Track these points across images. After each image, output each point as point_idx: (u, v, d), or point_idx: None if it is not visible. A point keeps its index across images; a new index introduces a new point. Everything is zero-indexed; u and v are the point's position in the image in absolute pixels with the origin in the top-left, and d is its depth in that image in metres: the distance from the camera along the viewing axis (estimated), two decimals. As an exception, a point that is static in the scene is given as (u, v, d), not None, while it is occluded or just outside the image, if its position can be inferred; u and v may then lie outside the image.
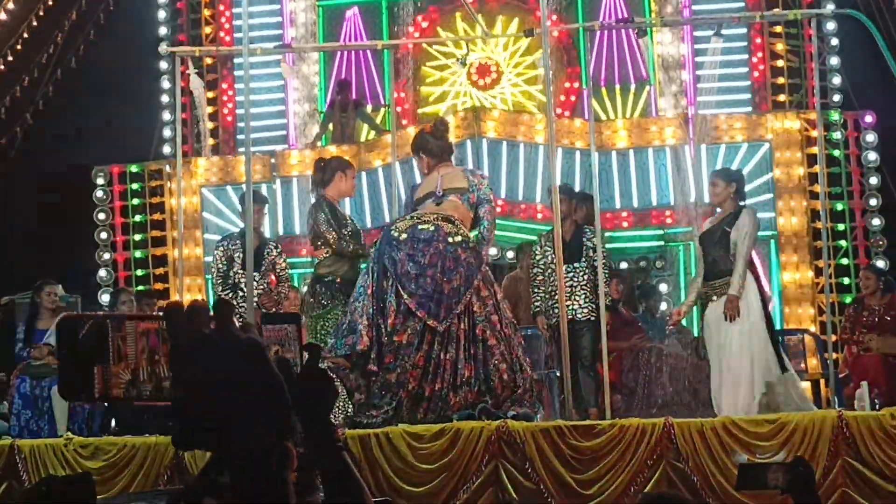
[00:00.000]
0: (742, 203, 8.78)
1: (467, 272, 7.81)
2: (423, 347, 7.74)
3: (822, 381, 10.94)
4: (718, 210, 8.90)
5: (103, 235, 13.80)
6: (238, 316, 9.14)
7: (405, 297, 7.76)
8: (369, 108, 14.23)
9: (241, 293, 9.39)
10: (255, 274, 9.50)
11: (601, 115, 13.70)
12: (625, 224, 12.85)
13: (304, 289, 12.53)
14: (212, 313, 2.75)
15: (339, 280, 8.77)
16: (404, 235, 7.86)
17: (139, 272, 13.84)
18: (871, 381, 9.52)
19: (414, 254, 7.79)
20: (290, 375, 2.45)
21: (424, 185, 8.21)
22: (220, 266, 9.61)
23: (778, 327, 12.48)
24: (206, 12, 14.68)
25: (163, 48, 11.19)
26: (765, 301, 8.55)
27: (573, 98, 14.09)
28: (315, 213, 9.01)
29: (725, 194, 8.75)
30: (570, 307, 9.58)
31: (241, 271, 9.38)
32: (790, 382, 8.42)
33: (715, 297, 8.54)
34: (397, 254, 7.82)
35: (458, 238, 7.85)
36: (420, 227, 7.87)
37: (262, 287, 9.67)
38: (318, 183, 9.20)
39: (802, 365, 11.38)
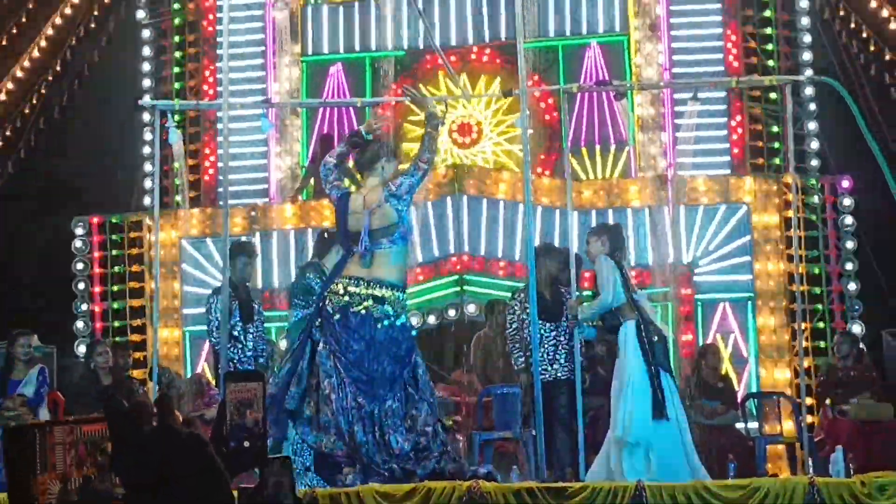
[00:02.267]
0: (613, 253, 8.90)
1: (398, 353, 7.90)
2: (360, 424, 7.82)
3: (798, 445, 10.94)
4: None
5: (81, 286, 13.76)
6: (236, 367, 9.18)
7: (344, 375, 7.82)
8: (350, 163, 14.25)
9: (239, 345, 9.41)
10: (249, 325, 9.53)
11: (580, 175, 13.79)
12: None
13: (283, 342, 12.54)
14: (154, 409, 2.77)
15: None
16: (338, 315, 7.90)
17: (116, 323, 13.79)
18: (846, 446, 9.55)
19: (348, 338, 7.85)
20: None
21: (352, 208, 8.07)
22: (215, 319, 9.56)
23: (753, 390, 12.55)
24: (190, 66, 14.74)
25: (144, 100, 11.22)
26: (650, 349, 8.53)
27: (553, 157, 14.17)
28: (305, 272, 9.10)
29: (597, 250, 8.90)
30: (552, 367, 9.61)
31: (239, 323, 9.40)
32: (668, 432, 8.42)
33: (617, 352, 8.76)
34: (332, 331, 7.88)
35: (386, 323, 7.90)
36: (352, 309, 7.89)
37: (256, 341, 9.66)
38: (317, 254, 9.31)
39: (778, 428, 11.40)
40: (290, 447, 8.55)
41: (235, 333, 9.45)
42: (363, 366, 7.80)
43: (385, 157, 8.18)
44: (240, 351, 9.45)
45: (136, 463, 1.78)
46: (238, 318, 9.45)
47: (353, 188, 13.71)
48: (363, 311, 7.85)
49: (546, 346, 9.70)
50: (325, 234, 9.49)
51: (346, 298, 7.86)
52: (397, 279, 7.97)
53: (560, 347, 9.74)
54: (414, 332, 8.42)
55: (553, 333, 9.70)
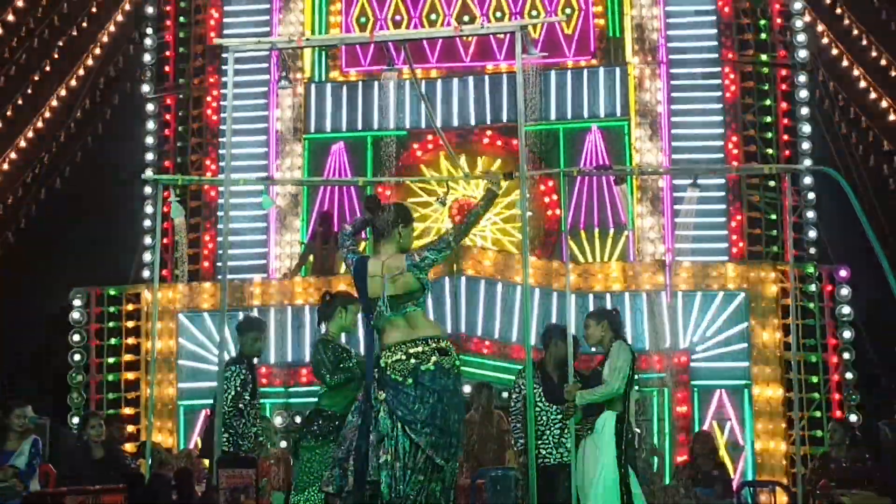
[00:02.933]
0: (617, 337, 8.75)
1: (462, 401, 7.89)
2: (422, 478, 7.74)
3: (793, 535, 10.87)
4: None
5: (77, 357, 13.73)
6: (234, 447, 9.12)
7: (413, 436, 7.74)
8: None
9: (244, 420, 9.36)
10: (255, 402, 9.49)
11: (580, 258, 13.84)
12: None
13: (277, 419, 12.53)
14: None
15: (339, 415, 8.80)
16: (410, 380, 7.81)
17: (111, 395, 13.74)
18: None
19: (421, 395, 7.78)
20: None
21: (370, 272, 8.05)
22: (234, 388, 9.44)
23: (749, 477, 12.48)
24: (194, 140, 14.85)
25: (147, 174, 11.29)
26: (625, 449, 8.43)
27: (553, 239, 14.22)
28: (315, 354, 9.08)
29: (598, 334, 8.79)
30: (557, 451, 9.52)
31: (247, 397, 9.35)
32: None
33: (588, 433, 8.56)
34: (403, 398, 7.78)
35: (456, 371, 7.85)
36: (422, 367, 7.83)
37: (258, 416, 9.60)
38: (321, 317, 9.28)
39: (773, 517, 11.33)
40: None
41: (241, 406, 9.38)
42: (437, 419, 7.72)
43: (402, 222, 8.17)
44: (243, 426, 9.37)
45: None
46: (249, 393, 9.37)
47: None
48: (433, 367, 7.80)
49: (552, 429, 9.59)
50: (328, 297, 9.45)
51: (413, 361, 7.79)
52: (441, 332, 7.96)
53: (566, 431, 9.66)
54: None
55: (559, 417, 9.59)
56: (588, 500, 8.30)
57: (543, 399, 9.61)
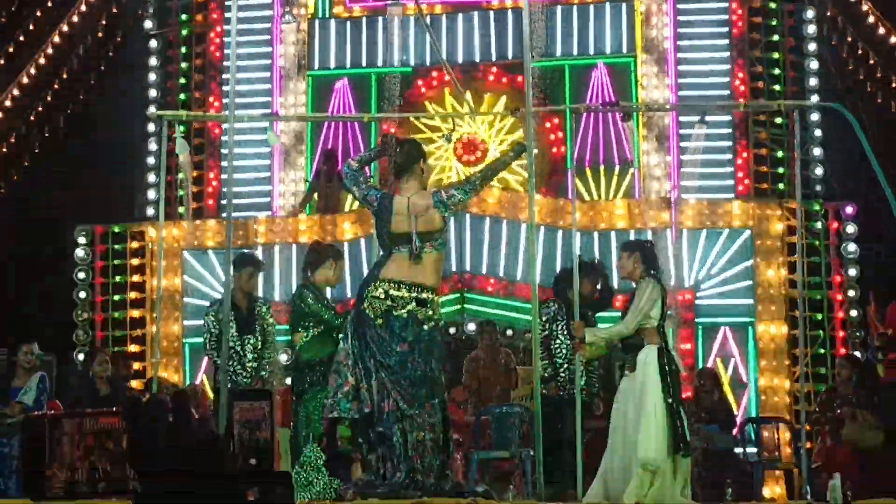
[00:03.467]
0: (648, 272, 8.54)
1: (439, 355, 7.89)
2: (398, 426, 7.78)
3: (796, 471, 10.91)
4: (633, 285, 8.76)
5: (82, 295, 13.75)
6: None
7: (386, 380, 7.79)
8: (369, 175, 14.26)
9: (237, 356, 9.38)
10: (248, 337, 9.50)
11: (585, 196, 13.79)
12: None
13: (282, 356, 12.57)
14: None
15: (324, 361, 8.84)
16: (380, 320, 7.86)
17: (117, 333, 13.77)
18: (844, 473, 9.50)
19: (391, 341, 7.83)
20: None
21: (395, 209, 8.02)
22: (213, 330, 9.50)
23: (753, 414, 12.52)
24: (197, 77, 14.76)
25: (151, 111, 11.23)
26: (671, 381, 8.40)
27: (558, 177, 14.16)
28: (301, 294, 9.09)
29: (630, 266, 8.62)
30: (570, 385, 9.52)
31: (235, 335, 9.37)
32: (679, 466, 8.27)
33: (628, 371, 8.50)
34: (375, 335, 7.84)
35: (430, 325, 7.89)
36: (395, 312, 7.86)
37: (257, 352, 9.61)
38: (308, 264, 9.30)
39: (776, 453, 11.37)
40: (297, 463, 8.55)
41: (232, 344, 9.41)
42: (406, 369, 7.78)
43: (422, 158, 8.18)
44: (237, 363, 9.41)
45: (152, 455, 1.79)
46: (235, 331, 9.40)
47: (356, 204, 13.78)
48: (406, 315, 7.84)
49: (571, 365, 9.62)
50: (318, 247, 9.45)
51: (389, 303, 7.83)
52: (435, 283, 7.99)
53: (589, 367, 9.68)
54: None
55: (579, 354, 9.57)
56: (635, 435, 8.22)
57: (566, 334, 9.66)
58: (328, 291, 10.06)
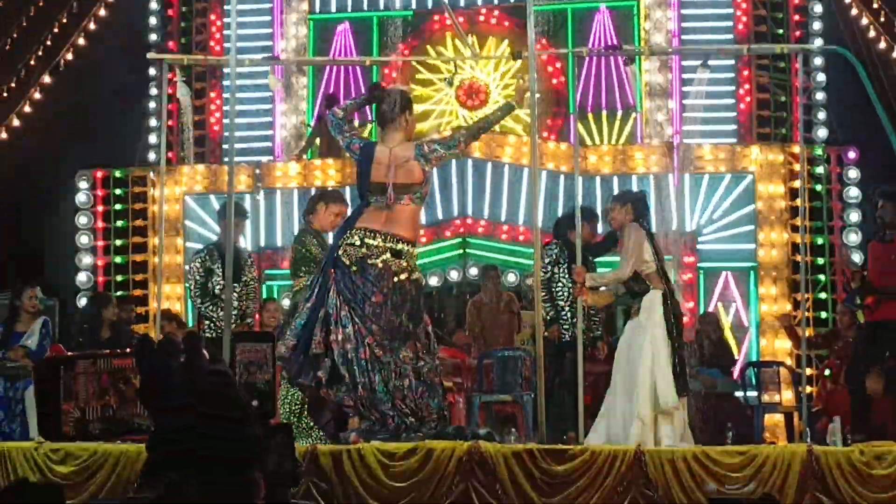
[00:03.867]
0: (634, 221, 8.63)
1: (413, 308, 7.90)
2: (378, 375, 7.83)
3: (796, 414, 10.97)
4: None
5: (84, 239, 13.76)
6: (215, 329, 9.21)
7: (361, 326, 7.81)
8: (356, 123, 14.24)
9: (221, 303, 9.39)
10: (234, 285, 9.52)
11: (587, 141, 13.76)
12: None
13: (285, 301, 12.56)
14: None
15: None
16: (355, 267, 7.87)
17: (119, 277, 13.81)
18: (844, 416, 9.55)
19: (365, 290, 7.83)
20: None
21: (376, 158, 8.02)
22: (198, 277, 9.55)
23: (754, 359, 12.57)
24: (198, 20, 14.69)
25: (151, 55, 11.16)
26: (674, 325, 8.41)
27: (559, 122, 14.13)
28: (302, 239, 9.09)
29: (622, 217, 8.69)
30: (574, 328, 9.55)
31: (220, 282, 9.38)
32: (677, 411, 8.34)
33: (633, 316, 8.56)
34: (349, 282, 7.85)
35: (404, 276, 7.90)
36: (369, 261, 7.86)
37: (240, 302, 9.64)
38: (308, 210, 9.31)
39: (777, 397, 11.42)
40: (287, 404, 8.59)
41: (217, 291, 9.44)
42: (381, 318, 7.81)
43: (408, 109, 8.15)
44: (221, 310, 9.43)
45: (164, 396, 1.81)
46: (220, 278, 9.40)
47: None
48: (380, 265, 7.85)
49: (572, 308, 9.65)
50: (319, 192, 9.47)
51: (364, 250, 7.84)
52: (412, 236, 8.00)
53: (587, 311, 9.72)
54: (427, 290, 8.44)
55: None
56: (639, 378, 8.30)
57: (568, 277, 9.69)
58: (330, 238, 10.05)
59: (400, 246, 7.87)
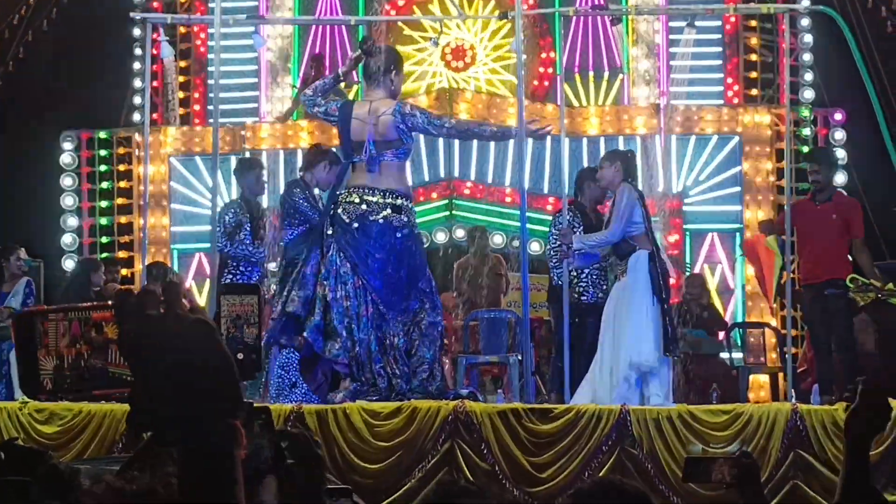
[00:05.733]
0: (625, 181, 8.63)
1: (414, 262, 7.92)
2: (374, 333, 7.85)
3: (781, 375, 11.01)
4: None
5: (69, 201, 13.70)
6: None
7: (365, 282, 7.82)
8: (343, 84, 14.14)
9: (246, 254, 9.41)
10: (257, 242, 9.50)
11: (573, 102, 13.69)
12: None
13: (271, 264, 12.54)
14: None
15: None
16: (356, 224, 7.86)
17: (104, 239, 13.76)
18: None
19: (368, 247, 7.83)
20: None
21: (354, 114, 8.00)
22: (229, 229, 9.42)
23: (739, 320, 12.60)
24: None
25: (134, 14, 11.08)
26: (660, 286, 8.43)
27: (546, 83, 14.07)
28: (291, 191, 9.07)
29: (611, 176, 8.69)
30: (595, 289, 9.50)
31: (248, 238, 9.37)
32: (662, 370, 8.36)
33: (620, 276, 8.56)
34: (350, 239, 7.85)
35: (406, 231, 7.90)
36: (371, 218, 7.85)
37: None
38: (305, 165, 9.28)
39: (762, 358, 11.47)
40: (276, 365, 8.59)
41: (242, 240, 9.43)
42: (385, 273, 7.82)
43: (395, 68, 8.13)
44: (245, 266, 9.40)
45: (143, 347, 1.79)
46: (248, 234, 9.35)
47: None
48: (381, 220, 7.84)
49: (591, 269, 9.57)
50: (318, 147, 9.42)
51: (364, 207, 7.84)
52: (406, 189, 8.01)
53: (606, 272, 9.69)
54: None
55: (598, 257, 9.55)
56: (624, 338, 8.30)
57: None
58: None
59: (399, 201, 7.89)
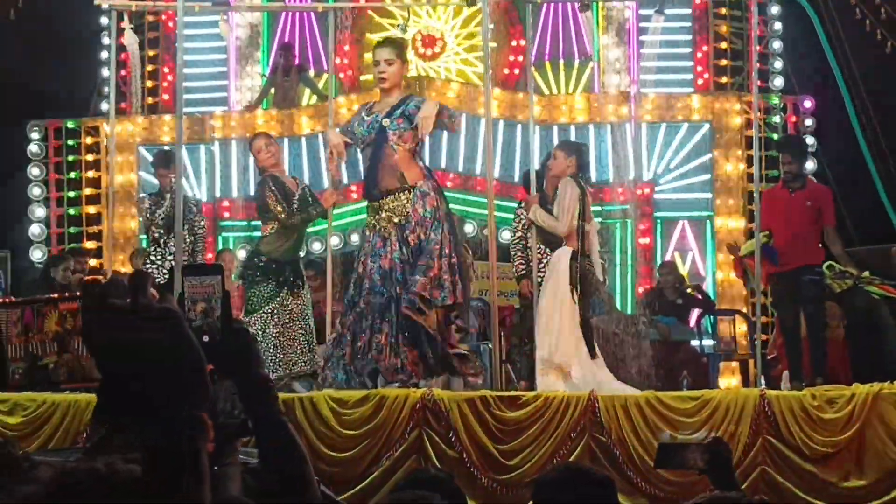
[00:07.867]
0: (575, 175, 8.68)
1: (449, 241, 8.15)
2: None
3: (751, 362, 11.02)
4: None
5: (36, 191, 13.57)
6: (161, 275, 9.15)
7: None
8: (312, 72, 14.10)
9: (159, 250, 9.39)
10: (172, 235, 9.47)
11: (544, 90, 13.66)
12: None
13: (241, 252, 12.48)
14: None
15: (274, 261, 8.84)
16: (392, 230, 8.09)
17: (72, 229, 13.65)
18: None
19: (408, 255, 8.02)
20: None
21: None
22: (146, 223, 9.49)
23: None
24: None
25: (100, 1, 10.96)
26: (581, 285, 8.46)
27: (517, 72, 14.02)
28: (262, 188, 9.03)
29: (564, 166, 8.70)
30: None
31: (162, 230, 9.34)
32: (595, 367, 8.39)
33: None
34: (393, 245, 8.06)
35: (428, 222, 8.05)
36: (398, 220, 8.19)
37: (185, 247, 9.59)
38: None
39: (733, 345, 11.47)
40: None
41: (157, 236, 9.45)
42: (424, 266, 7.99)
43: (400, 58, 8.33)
44: (160, 257, 9.42)
45: (109, 338, 1.76)
46: (162, 226, 9.39)
47: (314, 98, 13.64)
48: (414, 218, 8.11)
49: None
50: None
51: (388, 213, 8.12)
52: (418, 174, 8.36)
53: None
54: None
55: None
56: (547, 333, 8.31)
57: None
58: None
59: (418, 186, 8.05)
